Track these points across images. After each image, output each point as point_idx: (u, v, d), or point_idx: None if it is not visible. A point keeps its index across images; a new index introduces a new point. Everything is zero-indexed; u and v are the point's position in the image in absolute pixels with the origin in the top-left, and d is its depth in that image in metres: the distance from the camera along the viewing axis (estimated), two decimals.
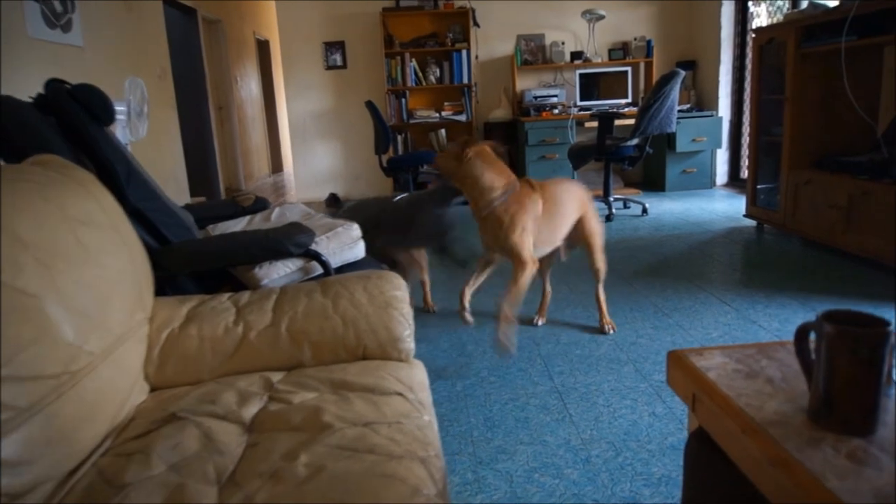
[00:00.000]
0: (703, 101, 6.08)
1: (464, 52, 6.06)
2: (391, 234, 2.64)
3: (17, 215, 1.01)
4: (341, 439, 1.02)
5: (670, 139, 5.69)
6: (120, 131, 3.42)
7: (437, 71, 6.19)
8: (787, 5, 5.04)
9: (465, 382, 2.24)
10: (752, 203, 4.28)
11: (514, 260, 2.27)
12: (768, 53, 4.01)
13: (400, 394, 1.20)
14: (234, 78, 7.83)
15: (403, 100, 6.18)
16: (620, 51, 6.16)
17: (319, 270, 1.80)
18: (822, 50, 3.47)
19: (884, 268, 3.19)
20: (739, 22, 5.66)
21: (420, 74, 6.16)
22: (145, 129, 3.66)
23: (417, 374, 1.32)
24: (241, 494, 0.92)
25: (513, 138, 6.19)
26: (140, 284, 1.33)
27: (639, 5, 6.20)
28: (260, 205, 2.28)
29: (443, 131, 6.29)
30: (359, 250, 1.96)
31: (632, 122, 4.85)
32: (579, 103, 6.02)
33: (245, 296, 1.48)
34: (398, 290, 1.45)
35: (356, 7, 6.19)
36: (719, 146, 5.74)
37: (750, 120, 4.30)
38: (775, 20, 5.21)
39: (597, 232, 2.55)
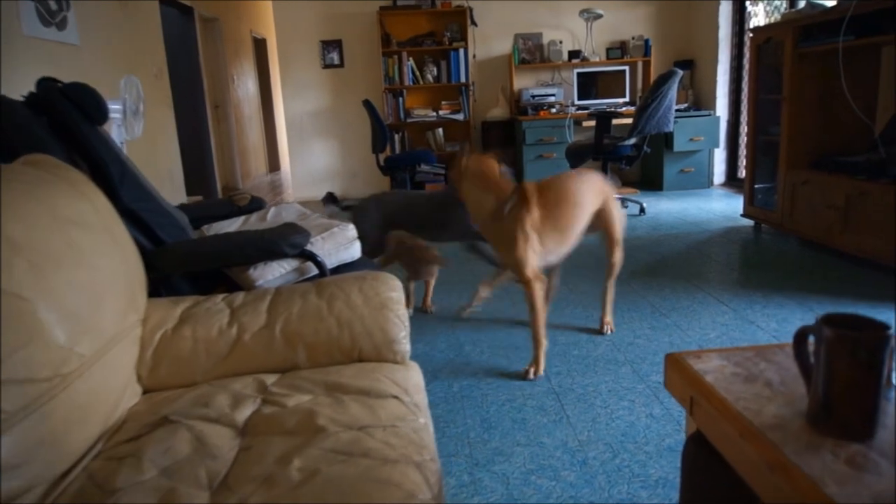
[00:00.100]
0: (700, 101, 6.07)
1: (461, 51, 6.05)
2: (429, 228, 2.63)
3: (8, 217, 1.00)
4: (336, 443, 1.01)
5: (668, 138, 5.68)
6: (115, 130, 3.40)
7: (435, 70, 6.17)
8: (784, 5, 5.04)
9: (461, 383, 2.23)
10: (749, 203, 4.27)
11: (518, 278, 2.19)
12: (766, 53, 4.01)
13: (395, 396, 1.19)
14: (231, 76, 7.81)
15: (401, 99, 6.17)
16: (618, 50, 6.15)
17: (315, 271, 1.79)
18: (820, 50, 3.47)
19: (881, 268, 3.18)
20: (737, 21, 5.65)
21: (417, 73, 6.15)
22: (141, 128, 3.64)
23: (413, 377, 1.31)
24: (233, 499, 0.91)
25: (510, 137, 6.18)
26: (133, 285, 1.32)
27: (637, 5, 6.19)
28: (255, 204, 2.27)
29: (440, 130, 6.28)
30: (354, 251, 1.94)
31: (629, 121, 4.84)
32: (577, 102, 6.01)
33: (239, 297, 1.47)
34: (394, 291, 1.44)
35: (353, 6, 6.18)
36: (717, 146, 5.73)
37: (747, 119, 4.29)
38: (773, 20, 5.21)
39: (616, 222, 2.46)
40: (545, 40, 6.21)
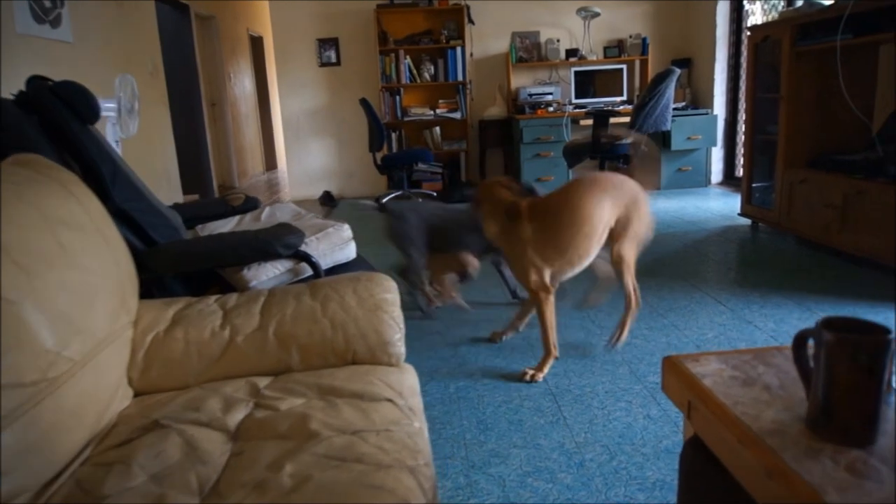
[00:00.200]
0: (698, 100, 6.06)
1: (458, 50, 6.03)
2: (461, 241, 2.71)
3: None
4: (328, 448, 1.00)
5: (665, 137, 5.67)
6: (110, 128, 3.38)
7: (432, 68, 6.15)
8: (781, 3, 5.03)
9: (458, 384, 2.22)
10: (747, 202, 4.27)
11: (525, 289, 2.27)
12: (763, 51, 4.00)
13: (389, 400, 1.17)
14: (228, 75, 7.78)
15: (398, 97, 6.15)
16: (616, 48, 6.14)
17: (310, 272, 1.77)
18: (818, 48, 3.46)
19: (879, 267, 3.18)
20: (735, 20, 5.64)
21: (414, 72, 6.13)
22: (136, 127, 3.62)
23: (408, 379, 1.30)
24: None
25: (508, 136, 6.16)
26: (124, 287, 1.30)
27: (634, 3, 6.17)
28: (250, 204, 2.25)
29: (437, 129, 6.26)
30: (350, 251, 1.93)
31: (627, 120, 4.82)
32: (574, 101, 6.00)
33: (233, 298, 1.45)
34: (388, 292, 1.42)
35: (350, 4, 6.15)
36: (714, 144, 5.73)
37: (745, 118, 4.28)
38: (770, 18, 5.20)
39: (628, 241, 2.22)
40: (542, 39, 6.19)
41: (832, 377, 0.78)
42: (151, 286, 1.63)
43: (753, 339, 2.44)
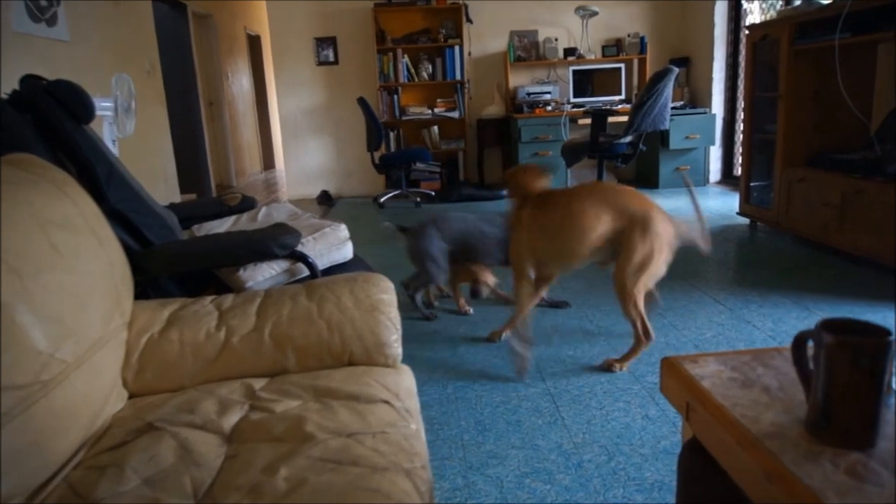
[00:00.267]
0: (696, 99, 6.06)
1: (456, 49, 6.02)
2: (483, 252, 2.76)
3: None
4: (324, 451, 0.99)
5: (664, 136, 5.67)
6: (107, 128, 3.36)
7: (430, 67, 6.14)
8: (780, 2, 5.02)
9: (455, 384, 2.21)
10: (745, 201, 4.26)
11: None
12: (762, 50, 3.99)
13: (386, 401, 1.16)
14: (225, 74, 7.76)
15: (396, 96, 6.13)
16: (614, 47, 6.13)
17: (306, 272, 1.76)
18: (816, 47, 3.45)
19: (877, 266, 3.17)
20: (733, 19, 5.64)
21: (412, 71, 6.11)
22: (133, 126, 3.60)
23: (405, 381, 1.29)
24: None
25: (506, 135, 6.15)
26: (118, 288, 1.29)
27: (632, 2, 6.16)
28: (246, 204, 2.24)
29: (435, 128, 6.25)
30: (347, 251, 1.92)
31: (625, 119, 4.81)
32: (573, 100, 5.99)
33: (228, 299, 1.44)
34: (385, 293, 1.41)
35: (348, 2, 6.14)
36: (713, 143, 5.72)
37: (743, 117, 4.27)
38: (768, 17, 5.19)
39: (628, 265, 2.07)
40: (541, 37, 6.18)
41: (832, 379, 0.77)
42: (147, 287, 1.62)
43: (752, 339, 2.44)
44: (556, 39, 6.09)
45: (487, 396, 2.11)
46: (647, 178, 6.10)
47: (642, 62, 6.13)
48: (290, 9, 6.16)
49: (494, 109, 6.12)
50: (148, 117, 4.87)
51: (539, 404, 2.03)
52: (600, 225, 2.10)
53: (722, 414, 0.88)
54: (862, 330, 0.79)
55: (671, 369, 1.03)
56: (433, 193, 6.02)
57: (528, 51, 6.18)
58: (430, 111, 6.17)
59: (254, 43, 9.32)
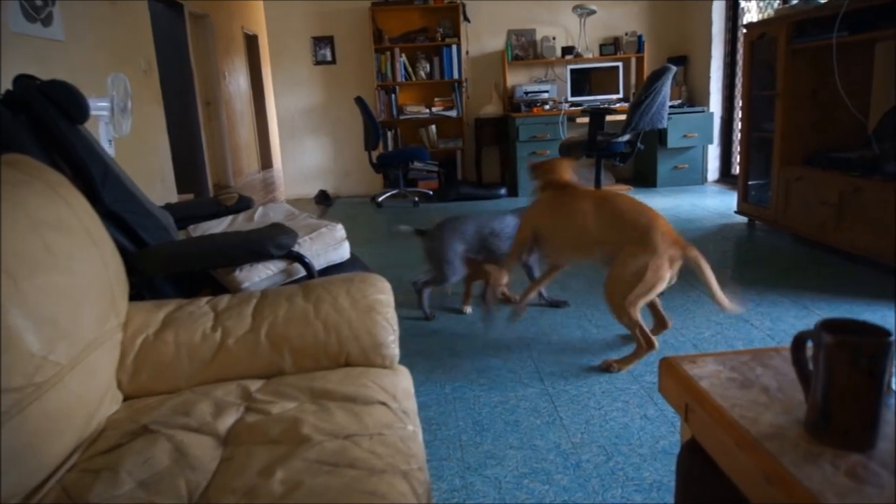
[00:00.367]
0: (694, 97, 6.05)
1: (454, 48, 6.01)
2: (495, 251, 2.80)
3: None
4: (320, 453, 0.98)
5: (661, 135, 5.66)
6: (103, 128, 3.35)
7: (427, 66, 6.13)
8: (777, 1, 5.02)
9: (453, 384, 2.20)
10: (743, 199, 4.26)
11: None
12: (759, 49, 3.99)
13: (383, 403, 1.15)
14: (223, 73, 7.74)
15: (393, 95, 6.13)
16: (611, 46, 6.13)
17: (303, 272, 1.76)
18: (814, 45, 3.45)
19: (875, 265, 3.17)
20: (730, 17, 5.63)
21: (410, 70, 6.10)
22: (129, 126, 3.58)
23: (402, 382, 1.28)
24: None
25: (504, 134, 6.15)
26: (113, 289, 1.28)
27: (630, 0, 6.16)
28: (243, 204, 2.23)
29: (433, 127, 6.24)
30: (343, 251, 1.91)
31: (623, 117, 4.81)
32: (570, 99, 5.98)
33: (224, 300, 1.43)
34: (382, 293, 1.40)
35: (345, 2, 6.12)
36: (710, 142, 5.72)
37: (741, 116, 4.27)
38: (766, 15, 5.19)
39: (615, 275, 2.11)
40: (538, 36, 6.18)
41: (831, 380, 0.77)
42: (142, 288, 1.61)
43: (750, 338, 2.44)
44: (554, 38, 6.09)
45: (485, 397, 2.10)
46: (645, 177, 6.10)
47: (640, 61, 6.13)
48: (288, 8, 6.15)
49: (492, 108, 6.11)
50: (144, 117, 4.86)
51: (537, 404, 2.03)
52: (597, 231, 2.19)
53: (721, 415, 0.88)
54: (861, 330, 0.79)
55: (669, 370, 1.03)
56: (431, 193, 6.02)
57: (525, 50, 6.18)
58: (427, 110, 6.16)
59: (251, 42, 9.30)
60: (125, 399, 1.26)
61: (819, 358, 0.78)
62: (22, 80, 1.56)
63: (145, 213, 1.67)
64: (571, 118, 5.83)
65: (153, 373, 1.27)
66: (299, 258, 1.73)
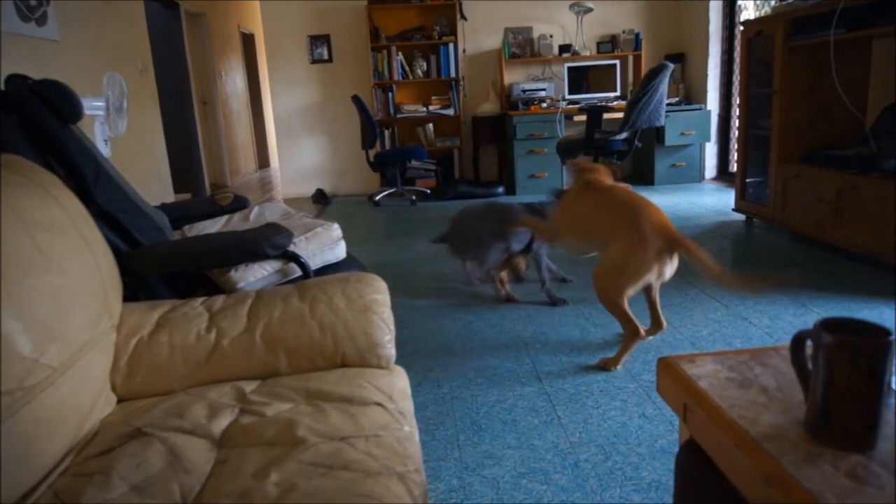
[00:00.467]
0: (691, 95, 6.05)
1: (451, 46, 5.99)
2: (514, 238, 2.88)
3: None
4: (315, 455, 0.97)
5: (659, 133, 5.66)
6: (99, 127, 3.33)
7: (424, 64, 6.11)
8: None
9: (451, 384, 2.19)
10: (740, 197, 4.25)
11: None
12: (757, 46, 3.98)
13: (379, 404, 1.14)
14: (219, 72, 7.72)
15: (390, 94, 6.11)
16: (609, 44, 6.12)
17: (299, 272, 1.74)
18: (811, 43, 3.44)
19: (872, 262, 3.17)
20: (728, 15, 5.63)
21: (407, 68, 6.09)
22: (125, 126, 3.56)
23: (398, 382, 1.27)
24: None
25: (501, 133, 6.13)
26: (106, 290, 1.27)
27: None
28: (239, 203, 2.22)
29: (430, 126, 6.23)
30: (340, 251, 1.90)
31: (621, 115, 4.80)
32: (568, 97, 5.97)
33: (219, 300, 1.42)
34: (378, 293, 1.39)
35: (341, 0, 6.10)
36: (708, 140, 5.71)
37: (739, 113, 4.27)
38: (762, 13, 5.18)
39: (606, 260, 2.17)
40: (535, 34, 6.16)
41: (831, 380, 0.76)
42: (136, 289, 1.60)
43: (748, 336, 2.43)
44: (551, 36, 6.07)
45: (483, 396, 2.09)
46: (643, 175, 6.09)
47: (637, 59, 6.12)
48: (284, 7, 6.13)
49: (489, 107, 6.10)
50: (141, 117, 4.84)
51: (535, 403, 2.02)
52: (597, 221, 2.27)
53: (720, 415, 0.87)
54: (861, 329, 0.78)
55: (668, 369, 1.02)
56: (428, 191, 6.00)
57: (522, 48, 6.16)
58: (424, 109, 6.14)
59: (247, 41, 9.27)
60: (119, 401, 1.25)
61: (819, 358, 0.77)
62: (14, 80, 1.54)
63: (139, 212, 1.66)
64: (569, 116, 5.82)
65: (147, 374, 1.26)
66: (295, 258, 1.71)
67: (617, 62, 5.96)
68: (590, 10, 5.91)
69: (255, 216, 2.13)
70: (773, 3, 5.00)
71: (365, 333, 1.32)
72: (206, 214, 2.16)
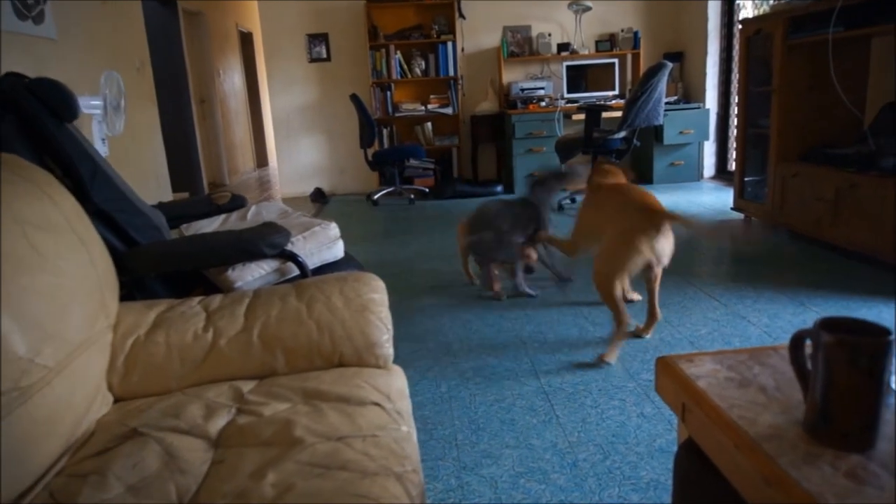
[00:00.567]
0: (690, 94, 6.04)
1: (449, 45, 5.98)
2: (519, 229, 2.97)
3: None
4: (312, 455, 0.97)
5: (658, 132, 5.65)
6: (96, 126, 3.32)
7: (423, 63, 6.11)
8: None
9: (449, 383, 2.19)
10: (739, 196, 4.25)
11: None
12: (755, 45, 3.98)
13: (377, 403, 1.14)
14: (217, 71, 7.71)
15: (388, 93, 6.10)
16: (607, 42, 6.11)
17: (297, 271, 1.74)
18: (810, 41, 3.44)
19: (871, 261, 3.17)
20: (726, 13, 5.62)
21: (405, 67, 6.08)
22: (122, 124, 3.56)
23: (396, 382, 1.27)
24: None
25: (500, 131, 6.13)
26: (102, 290, 1.26)
27: None
28: (236, 203, 2.21)
29: (429, 124, 6.22)
30: (337, 250, 1.89)
31: (619, 114, 4.80)
32: (566, 96, 5.97)
33: (216, 300, 1.41)
34: (376, 292, 1.39)
35: None
36: (707, 138, 5.71)
37: (737, 112, 4.26)
38: (761, 11, 5.18)
39: (603, 246, 2.26)
40: (534, 33, 6.16)
41: (830, 380, 0.75)
42: (133, 288, 1.59)
43: (747, 335, 2.43)
44: (550, 35, 6.07)
45: (481, 395, 2.09)
46: (642, 174, 6.09)
47: (636, 57, 6.11)
48: (282, 6, 6.11)
49: (488, 105, 6.09)
50: (138, 115, 4.82)
51: (534, 403, 2.02)
52: (598, 218, 2.38)
53: (718, 415, 0.86)
54: (861, 329, 0.77)
55: (666, 369, 1.01)
56: (427, 190, 6.00)
57: (521, 46, 6.16)
58: (423, 107, 6.13)
59: (245, 40, 9.26)
60: (115, 401, 1.24)
61: (818, 357, 0.76)
62: (9, 78, 1.53)
63: (136, 211, 1.65)
64: (567, 115, 5.82)
65: (144, 374, 1.26)
66: (292, 257, 1.71)
67: (615, 61, 5.96)
68: (588, 8, 5.91)
69: (253, 215, 2.12)
70: (771, 1, 5.00)
71: (362, 333, 1.32)
72: (203, 213, 2.15)
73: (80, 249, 1.20)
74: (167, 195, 5.34)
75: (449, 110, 6.10)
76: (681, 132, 5.62)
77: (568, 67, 5.95)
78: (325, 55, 6.25)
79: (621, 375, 2.17)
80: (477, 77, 6.29)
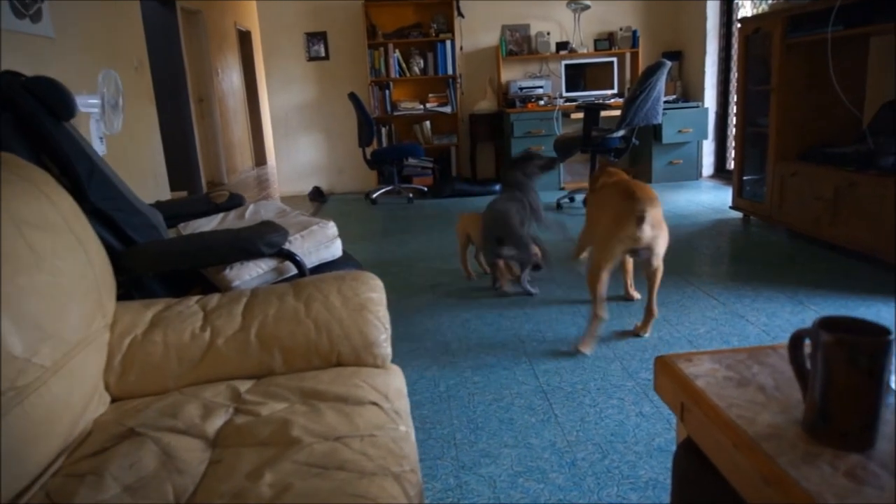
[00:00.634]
0: (689, 92, 6.04)
1: (448, 43, 5.98)
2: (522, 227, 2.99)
3: None
4: (310, 455, 0.96)
5: (656, 130, 5.65)
6: (94, 125, 3.31)
7: (421, 62, 6.10)
8: None
9: (448, 382, 2.19)
10: (738, 195, 4.25)
11: None
12: (754, 44, 3.98)
13: (374, 403, 1.14)
14: (216, 70, 7.69)
15: (387, 91, 6.09)
16: (606, 41, 6.11)
17: (294, 271, 1.73)
18: (809, 40, 3.44)
19: (870, 260, 3.17)
20: (725, 12, 5.62)
21: (404, 65, 6.07)
22: (120, 123, 3.54)
23: (394, 381, 1.26)
24: None
25: (498, 130, 6.12)
26: (99, 289, 1.26)
27: None
28: (234, 201, 2.20)
29: (427, 123, 6.21)
30: (336, 249, 1.89)
31: (618, 113, 4.80)
32: (565, 94, 5.96)
33: (214, 299, 1.41)
34: (374, 291, 1.38)
35: None
36: (705, 137, 5.71)
37: (736, 111, 4.26)
38: (760, 10, 5.18)
39: (595, 249, 2.35)
40: (533, 32, 6.15)
41: (830, 379, 0.75)
42: (130, 287, 1.59)
43: (746, 334, 2.43)
44: (548, 34, 6.06)
45: (480, 394, 2.08)
46: (641, 173, 6.08)
47: (634, 56, 6.11)
48: (281, 4, 6.10)
49: (487, 104, 6.09)
50: (136, 114, 4.81)
51: (532, 402, 2.01)
52: (607, 217, 2.36)
53: (717, 415, 0.86)
54: (860, 328, 0.77)
55: (665, 368, 1.01)
56: (426, 189, 5.99)
57: (520, 45, 6.15)
58: (421, 106, 6.13)
59: (244, 38, 9.24)
60: (113, 401, 1.24)
61: (817, 357, 0.76)
62: (6, 77, 1.53)
63: (133, 210, 1.65)
64: (566, 114, 5.81)
65: (141, 374, 1.25)
66: (290, 256, 1.71)
67: (614, 60, 5.95)
68: (587, 7, 5.90)
69: (251, 214, 2.11)
70: (770, 0, 5.00)
71: (360, 332, 1.31)
72: (201, 212, 2.15)
73: (77, 249, 1.20)
74: (165, 194, 5.33)
75: (447, 109, 6.10)
76: (679, 131, 5.62)
77: (567, 66, 5.94)
78: (323, 54, 6.24)
79: (620, 375, 2.16)
80: (475, 76, 6.28)
